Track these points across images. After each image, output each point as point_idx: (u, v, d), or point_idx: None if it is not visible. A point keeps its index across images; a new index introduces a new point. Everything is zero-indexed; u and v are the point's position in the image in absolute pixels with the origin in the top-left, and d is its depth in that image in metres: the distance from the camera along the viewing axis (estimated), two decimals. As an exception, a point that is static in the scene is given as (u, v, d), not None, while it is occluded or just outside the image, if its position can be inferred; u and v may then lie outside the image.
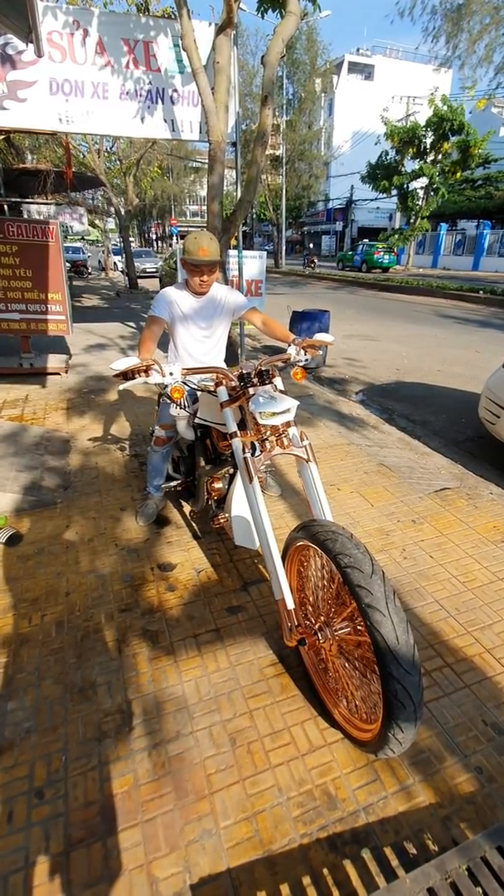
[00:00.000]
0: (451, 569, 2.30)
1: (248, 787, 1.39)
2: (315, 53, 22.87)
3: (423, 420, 4.48)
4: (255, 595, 2.14)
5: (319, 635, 1.49)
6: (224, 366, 2.50)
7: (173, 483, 2.61)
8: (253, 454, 1.70)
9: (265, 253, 6.88)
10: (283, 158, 24.06)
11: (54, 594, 2.14)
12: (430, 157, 19.84)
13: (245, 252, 5.97)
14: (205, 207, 5.92)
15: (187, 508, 2.83)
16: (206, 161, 5.34)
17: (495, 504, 2.88)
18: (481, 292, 13.21)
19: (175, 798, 1.36)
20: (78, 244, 24.01)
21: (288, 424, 1.73)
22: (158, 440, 2.57)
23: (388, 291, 16.27)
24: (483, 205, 25.27)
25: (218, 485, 2.23)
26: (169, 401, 2.13)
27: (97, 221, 24.85)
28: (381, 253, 22.43)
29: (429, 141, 19.53)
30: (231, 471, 2.17)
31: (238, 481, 1.92)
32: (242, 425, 1.81)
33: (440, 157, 19.59)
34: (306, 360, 2.04)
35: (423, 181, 20.52)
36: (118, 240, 25.26)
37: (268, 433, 1.71)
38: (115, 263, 23.71)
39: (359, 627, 1.42)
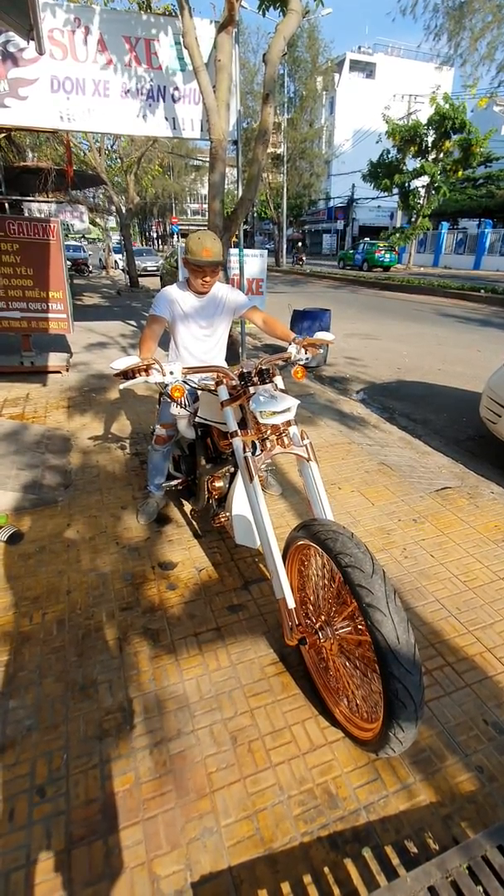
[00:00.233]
0: (451, 568, 2.30)
1: (249, 786, 1.39)
2: (316, 51, 22.82)
3: (424, 419, 4.48)
4: (255, 594, 2.14)
5: (320, 634, 1.49)
6: (225, 365, 2.50)
7: (174, 482, 2.61)
8: (253, 453, 1.70)
9: (266, 252, 6.87)
10: (285, 157, 24.01)
11: (55, 592, 2.14)
12: (432, 156, 19.79)
13: (246, 251, 5.96)
14: (206, 206, 5.92)
15: (188, 507, 2.83)
16: (208, 159, 5.34)
17: (496, 503, 2.87)
18: (482, 291, 13.19)
19: (176, 796, 1.37)
20: (79, 243, 24.00)
21: (288, 423, 1.73)
22: (159, 439, 2.57)
23: (389, 290, 16.25)
24: (484, 203, 25.21)
25: (219, 484, 2.23)
26: (169, 400, 2.13)
27: (98, 220, 24.83)
28: (383, 252, 22.39)
29: (430, 139, 19.48)
30: (232, 470, 2.17)
31: (239, 480, 1.92)
32: (243, 424, 1.81)
33: (442, 155, 19.54)
34: (307, 358, 2.04)
35: (425, 180, 20.49)
36: (117, 238, 25.25)
37: (268, 432, 1.71)
38: (115, 262, 23.69)
39: (359, 627, 1.42)
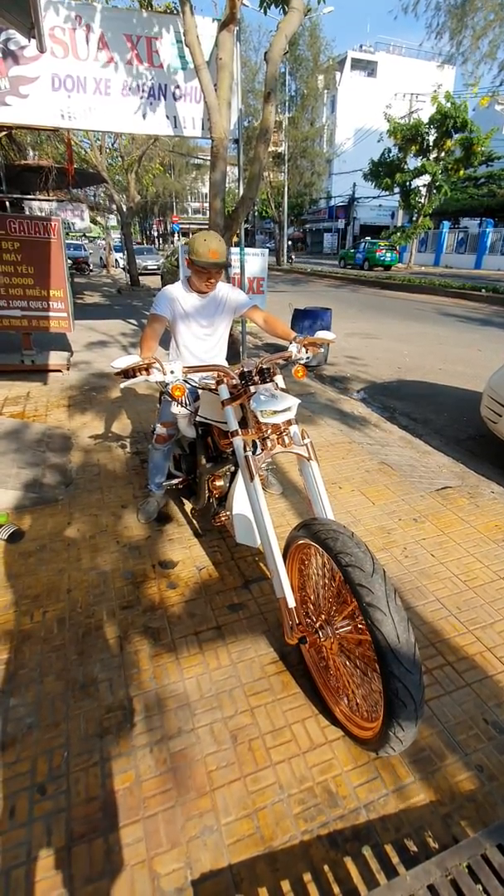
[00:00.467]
0: (452, 567, 2.30)
1: (250, 784, 1.39)
2: (318, 50, 22.75)
3: (425, 418, 4.48)
4: (256, 593, 2.14)
5: (320, 633, 1.49)
6: (225, 364, 2.50)
7: (174, 481, 2.61)
8: (254, 452, 1.70)
9: (267, 251, 6.86)
10: (286, 155, 23.97)
11: (56, 591, 2.15)
12: (433, 155, 19.74)
13: (247, 249, 5.96)
14: (206, 204, 5.90)
15: (188, 506, 2.84)
16: (209, 158, 5.33)
17: (496, 503, 2.88)
18: (483, 291, 13.17)
19: (176, 794, 1.37)
20: (80, 241, 23.97)
21: (289, 423, 1.73)
22: (160, 438, 2.57)
23: (389, 289, 16.24)
24: (486, 203, 25.18)
25: (219, 483, 2.23)
26: (170, 399, 2.13)
27: (99, 218, 24.80)
28: (384, 251, 22.36)
29: (432, 138, 19.42)
30: (232, 469, 2.17)
31: (239, 479, 1.92)
32: (243, 423, 1.81)
33: (443, 154, 19.48)
34: (308, 357, 2.04)
35: (426, 179, 20.43)
36: (117, 236, 25.22)
37: (269, 431, 1.71)
38: (116, 260, 23.67)
39: (360, 626, 1.42)
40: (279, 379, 1.80)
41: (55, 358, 5.76)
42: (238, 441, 1.73)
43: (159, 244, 41.83)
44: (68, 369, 5.69)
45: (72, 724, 1.56)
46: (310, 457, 1.74)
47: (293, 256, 27.71)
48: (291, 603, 1.53)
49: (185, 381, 1.78)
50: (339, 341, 7.28)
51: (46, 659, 1.80)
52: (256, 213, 32.83)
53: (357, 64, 38.02)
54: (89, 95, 4.93)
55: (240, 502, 1.91)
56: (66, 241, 5.43)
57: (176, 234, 35.67)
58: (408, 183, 20.94)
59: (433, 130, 19.14)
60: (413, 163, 20.81)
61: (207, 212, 5.40)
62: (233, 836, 1.27)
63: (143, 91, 5.09)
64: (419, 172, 20.20)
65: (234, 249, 5.86)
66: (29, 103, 4.79)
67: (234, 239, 5.73)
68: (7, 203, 10.05)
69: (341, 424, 4.11)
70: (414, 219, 21.74)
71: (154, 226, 43.30)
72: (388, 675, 1.19)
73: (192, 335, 2.40)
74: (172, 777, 1.41)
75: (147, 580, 2.23)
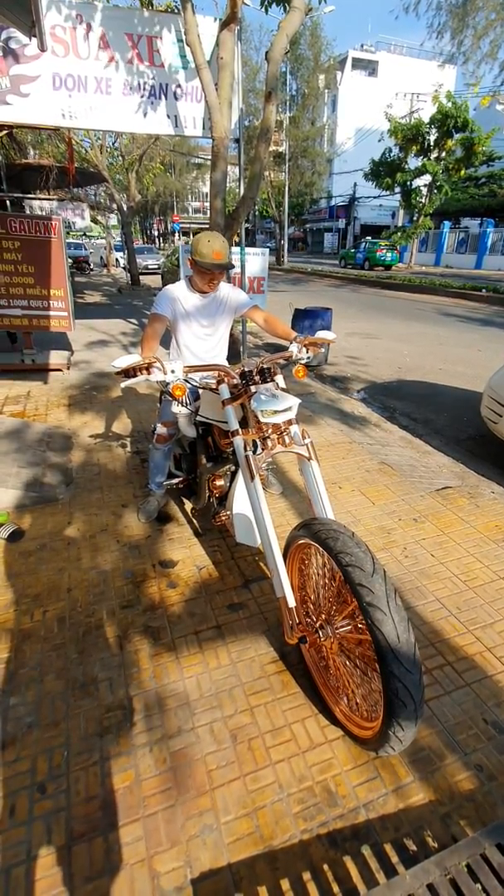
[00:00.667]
0: (452, 567, 2.30)
1: (249, 784, 1.40)
2: (319, 49, 22.73)
3: (425, 418, 4.48)
4: (256, 592, 2.14)
5: (320, 633, 1.50)
6: (226, 364, 2.50)
7: (175, 480, 2.61)
8: (254, 452, 1.70)
9: (268, 250, 6.86)
10: (286, 155, 23.96)
11: (56, 590, 2.15)
12: (434, 155, 19.74)
13: (247, 249, 5.95)
14: (207, 204, 5.91)
15: (189, 506, 2.84)
16: (209, 157, 5.32)
17: (496, 503, 2.88)
18: (484, 291, 13.17)
19: (176, 793, 1.37)
20: (81, 241, 23.95)
21: (289, 422, 1.73)
22: (160, 438, 2.57)
23: (390, 289, 16.23)
24: (486, 203, 25.17)
25: (219, 482, 2.23)
26: (170, 398, 2.13)
27: (99, 217, 24.78)
28: (384, 251, 22.35)
29: (432, 138, 19.41)
30: (232, 468, 2.17)
31: (239, 479, 1.92)
32: (244, 423, 1.81)
33: (444, 154, 19.48)
34: (308, 357, 2.04)
35: (427, 178, 20.43)
36: (117, 236, 25.19)
37: (269, 431, 1.71)
38: (116, 260, 23.66)
39: (360, 626, 1.43)
40: (280, 379, 1.80)
41: (56, 357, 5.76)
42: (238, 441, 1.74)
43: (160, 243, 41.82)
44: (69, 368, 5.69)
45: (72, 723, 1.56)
46: (310, 456, 1.74)
47: (283, 255, 27.27)
48: (291, 602, 1.53)
49: (186, 381, 1.78)
50: (340, 341, 7.28)
51: (46, 658, 1.80)
52: (257, 213, 32.81)
53: (358, 63, 37.99)
54: (90, 94, 4.93)
55: (240, 502, 1.91)
56: (67, 241, 5.43)
57: (176, 234, 35.68)
58: (408, 183, 20.93)
59: (434, 130, 19.14)
60: (414, 162, 20.80)
61: (208, 211, 5.40)
62: (232, 835, 1.28)
63: (143, 90, 5.09)
64: (420, 172, 20.19)
65: (235, 249, 5.86)
66: (30, 102, 4.80)
67: (235, 238, 5.73)
68: (8, 202, 10.04)
69: (341, 424, 4.11)
70: (414, 219, 21.74)
71: (154, 225, 43.30)
72: (388, 675, 1.19)
73: (192, 335, 2.40)
74: (172, 776, 1.41)
75: (147, 579, 2.23)
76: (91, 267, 22.56)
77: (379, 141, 21.82)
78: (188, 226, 39.96)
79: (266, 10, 5.57)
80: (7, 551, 2.41)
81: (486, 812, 1.33)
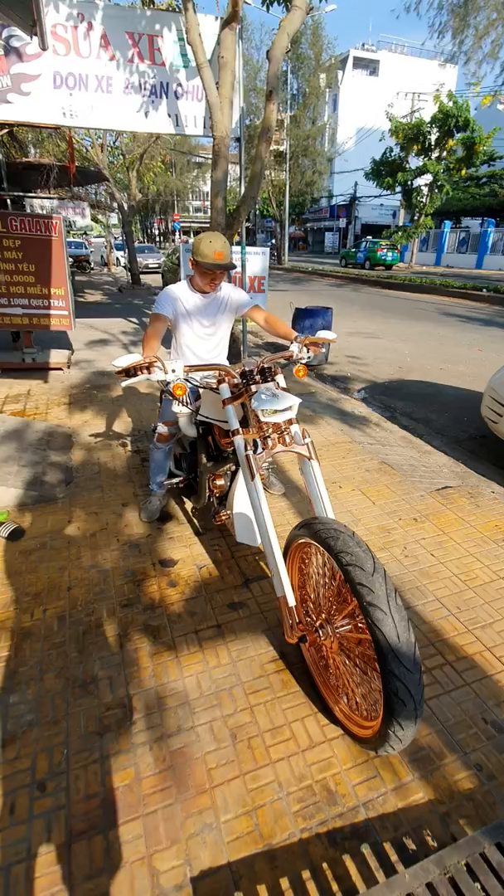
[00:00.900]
0: (452, 567, 2.30)
1: (249, 782, 1.40)
2: (320, 48, 22.70)
3: (426, 418, 4.48)
4: (256, 592, 2.15)
5: (320, 632, 1.50)
6: (226, 363, 2.50)
7: (175, 480, 2.61)
8: (255, 451, 1.70)
9: (268, 249, 6.86)
10: (287, 154, 23.94)
11: (56, 589, 2.15)
12: (435, 154, 19.70)
13: (248, 248, 5.95)
14: (208, 203, 5.90)
15: (189, 505, 2.84)
16: (210, 156, 5.32)
17: (497, 503, 2.88)
18: (485, 290, 13.16)
19: (176, 792, 1.37)
20: (81, 239, 23.93)
21: (290, 422, 1.73)
22: (161, 437, 2.57)
23: (391, 289, 16.22)
24: (487, 202, 25.14)
25: (220, 482, 2.23)
26: (171, 398, 2.14)
27: (100, 216, 24.76)
28: (385, 250, 22.33)
29: (433, 137, 19.37)
30: (233, 468, 2.17)
31: (240, 478, 1.92)
32: (244, 423, 1.81)
33: (445, 153, 19.45)
34: (309, 357, 2.04)
35: (428, 178, 20.39)
36: (117, 234, 25.14)
37: (270, 430, 1.71)
38: (117, 259, 23.63)
39: (360, 625, 1.43)
40: (280, 378, 1.80)
41: (56, 356, 5.76)
42: (239, 440, 1.74)
43: (160, 242, 41.79)
44: (69, 367, 5.69)
45: (72, 722, 1.56)
46: (310, 456, 1.74)
47: (283, 254, 27.13)
48: (291, 602, 1.53)
49: (187, 380, 1.78)
50: (340, 341, 7.27)
51: (47, 656, 1.80)
52: (258, 212, 32.79)
53: (359, 62, 37.94)
54: (91, 93, 4.93)
55: (240, 501, 1.91)
56: (68, 240, 5.43)
57: (177, 233, 35.63)
58: (409, 182, 20.91)
59: (435, 130, 19.10)
60: (415, 162, 20.77)
61: (209, 210, 5.39)
62: (232, 834, 1.28)
63: (144, 89, 5.08)
64: (421, 172, 20.16)
65: (236, 248, 5.86)
66: (31, 101, 4.79)
67: (236, 238, 5.72)
68: (8, 201, 10.03)
69: (342, 424, 4.11)
70: (415, 218, 21.70)
71: (155, 224, 43.25)
72: (388, 675, 1.19)
73: (193, 334, 2.40)
74: (172, 774, 1.42)
75: (147, 578, 2.23)
76: (91, 266, 22.55)
77: (380, 140, 21.79)
78: (189, 225, 39.94)
79: (267, 9, 5.57)
80: (7, 550, 2.41)
81: (485, 811, 1.33)
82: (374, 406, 4.76)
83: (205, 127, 5.40)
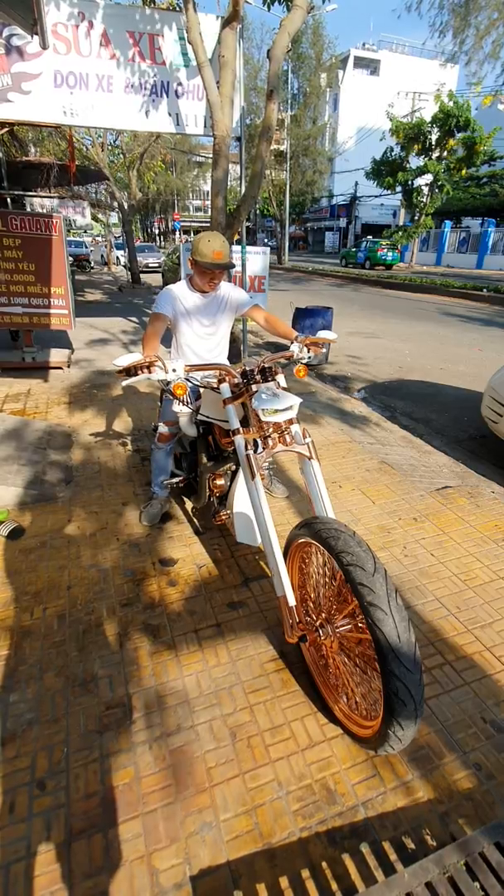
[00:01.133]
0: (451, 567, 2.30)
1: (248, 781, 1.40)
2: (321, 48, 22.70)
3: (426, 418, 4.48)
4: (256, 591, 2.15)
5: (320, 632, 1.50)
6: (227, 363, 2.50)
7: (175, 479, 2.61)
8: (255, 451, 1.71)
9: (269, 249, 6.86)
10: (288, 154, 23.92)
11: (56, 588, 2.15)
12: (436, 154, 19.69)
13: (248, 248, 5.95)
14: (208, 202, 5.90)
15: (189, 504, 2.84)
16: (210, 156, 5.32)
17: (497, 503, 2.88)
18: (485, 290, 13.16)
19: (175, 791, 1.37)
20: (82, 238, 23.91)
21: (291, 422, 1.73)
22: (162, 437, 2.57)
23: (391, 289, 16.22)
24: (488, 202, 25.12)
25: (220, 481, 2.23)
26: (172, 397, 2.14)
27: (100, 215, 24.73)
28: (385, 250, 22.33)
29: (434, 137, 19.37)
30: (233, 467, 2.17)
31: (240, 478, 1.92)
32: (245, 422, 1.81)
33: (445, 153, 19.44)
34: (309, 357, 2.04)
35: (428, 178, 20.38)
36: (117, 233, 25.10)
37: (270, 430, 1.71)
38: (117, 258, 23.61)
39: (360, 625, 1.43)
40: (281, 378, 1.80)
41: (56, 355, 5.76)
42: (240, 439, 1.74)
43: (160, 242, 41.77)
44: (69, 367, 5.68)
45: (71, 721, 1.56)
46: (311, 456, 1.74)
47: (284, 253, 27.05)
48: (292, 601, 1.54)
49: (187, 380, 1.78)
50: (340, 340, 7.26)
51: (46, 655, 1.80)
52: (258, 212, 32.78)
53: (360, 62, 37.91)
54: (91, 92, 4.92)
55: (240, 501, 1.91)
56: (68, 239, 5.42)
57: (177, 232, 35.60)
58: (410, 182, 20.89)
59: (436, 129, 19.09)
60: (415, 162, 20.75)
61: (209, 209, 5.39)
62: (231, 833, 1.28)
63: (145, 88, 5.08)
64: (421, 171, 20.15)
65: (236, 248, 5.86)
66: (31, 100, 4.79)
67: (236, 237, 5.72)
68: (8, 199, 10.02)
69: (342, 424, 4.11)
70: (416, 218, 21.69)
71: (155, 223, 43.23)
72: (388, 674, 1.19)
73: (193, 334, 2.40)
74: (171, 773, 1.42)
75: (147, 578, 2.23)
76: (91, 265, 22.53)
77: (380, 140, 21.77)
78: (189, 224, 39.90)
79: (268, 8, 5.57)
80: (7, 549, 2.41)
81: (484, 811, 1.33)
82: (374, 406, 4.76)
83: (205, 126, 5.40)
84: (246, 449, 1.69)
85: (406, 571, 2.27)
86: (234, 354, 5.35)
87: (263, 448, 1.71)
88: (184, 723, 1.56)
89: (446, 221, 25.67)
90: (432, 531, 2.59)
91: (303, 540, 1.58)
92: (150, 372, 1.66)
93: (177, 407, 2.34)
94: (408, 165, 20.88)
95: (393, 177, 21.03)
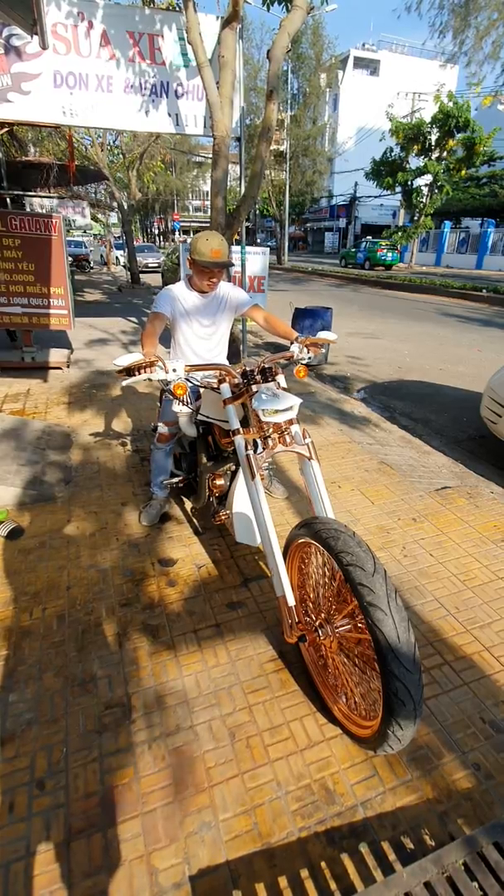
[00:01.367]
0: (451, 567, 2.31)
1: (248, 781, 1.40)
2: (320, 48, 22.71)
3: (425, 418, 4.48)
4: (255, 591, 2.15)
5: (320, 632, 1.50)
6: (227, 363, 2.50)
7: (174, 479, 2.61)
8: (255, 451, 1.71)
9: (268, 249, 6.86)
10: (287, 154, 23.92)
11: (55, 588, 2.15)
12: (435, 154, 19.71)
13: (248, 248, 5.95)
14: (208, 202, 5.90)
15: (188, 505, 2.84)
16: (210, 156, 5.32)
17: (496, 503, 2.88)
18: (484, 291, 13.17)
19: (175, 791, 1.37)
20: (82, 238, 23.90)
21: (290, 422, 1.73)
22: (161, 437, 2.57)
23: (390, 289, 16.23)
24: (487, 203, 25.15)
25: (220, 481, 2.23)
26: (172, 397, 2.14)
27: (100, 215, 24.74)
28: (385, 250, 22.34)
29: (434, 138, 19.39)
30: (233, 468, 2.17)
31: (240, 478, 1.92)
32: (245, 422, 1.81)
33: (445, 154, 19.46)
34: (309, 358, 2.04)
35: (428, 178, 20.40)
36: (116, 233, 25.10)
37: (270, 430, 1.71)
38: (116, 258, 23.61)
39: (359, 625, 1.43)
40: (281, 378, 1.80)
41: (55, 355, 5.76)
42: (240, 440, 1.74)
43: (160, 242, 41.77)
44: (68, 366, 5.68)
45: (71, 721, 1.56)
46: (310, 456, 1.74)
47: (283, 254, 26.98)
48: (291, 601, 1.54)
49: (187, 380, 1.78)
50: (340, 341, 7.27)
51: (46, 655, 1.80)
52: (258, 212, 32.78)
53: (359, 62, 37.92)
54: (91, 92, 4.93)
55: (240, 501, 1.91)
56: (67, 239, 5.42)
57: (177, 232, 35.62)
58: (409, 182, 20.91)
59: (435, 130, 19.11)
60: (415, 162, 20.77)
61: (209, 210, 5.39)
62: (230, 833, 1.28)
63: (145, 88, 5.08)
64: (421, 172, 20.16)
65: (235, 248, 5.86)
66: (31, 100, 4.79)
67: (236, 237, 5.72)
68: (8, 199, 10.02)
69: (342, 424, 4.12)
70: (415, 218, 21.71)
71: (155, 223, 43.23)
72: (387, 675, 1.19)
73: (193, 334, 2.40)
74: (171, 773, 1.42)
75: (146, 578, 2.23)
76: (91, 265, 22.53)
77: (380, 140, 21.78)
78: (189, 224, 39.91)
79: (268, 9, 5.56)
80: (6, 549, 2.41)
81: (483, 810, 1.33)
82: (373, 406, 4.77)
83: (205, 126, 5.40)
84: (246, 449, 1.69)
85: (405, 572, 2.27)
86: (234, 354, 5.36)
87: (263, 448, 1.72)
88: (183, 723, 1.56)
89: (446, 222, 25.69)
90: (431, 531, 2.59)
91: (302, 540, 1.58)
92: (150, 372, 1.66)
93: (177, 407, 2.34)
94: (407, 166, 20.90)
95: (393, 177, 21.05)
